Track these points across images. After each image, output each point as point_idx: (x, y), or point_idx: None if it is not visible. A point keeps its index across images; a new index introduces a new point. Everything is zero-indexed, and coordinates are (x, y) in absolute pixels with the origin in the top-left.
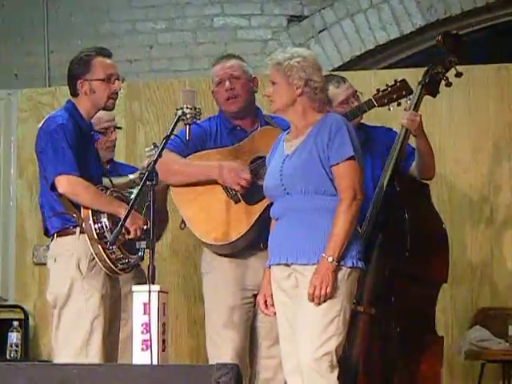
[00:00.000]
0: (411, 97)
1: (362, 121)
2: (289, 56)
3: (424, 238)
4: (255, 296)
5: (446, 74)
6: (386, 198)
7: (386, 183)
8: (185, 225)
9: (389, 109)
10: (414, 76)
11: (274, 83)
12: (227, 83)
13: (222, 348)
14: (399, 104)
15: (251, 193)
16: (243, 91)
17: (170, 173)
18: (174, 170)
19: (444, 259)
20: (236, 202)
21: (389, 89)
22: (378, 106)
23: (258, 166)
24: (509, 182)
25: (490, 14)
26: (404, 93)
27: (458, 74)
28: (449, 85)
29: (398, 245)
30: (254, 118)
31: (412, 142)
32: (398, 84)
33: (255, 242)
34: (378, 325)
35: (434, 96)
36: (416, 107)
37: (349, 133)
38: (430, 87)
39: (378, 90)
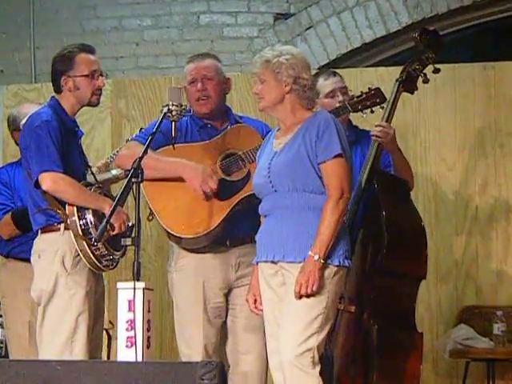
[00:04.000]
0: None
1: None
2: (277, 53)
3: (402, 234)
4: (225, 294)
5: (424, 71)
6: (364, 195)
7: (364, 181)
8: (152, 217)
9: (362, 115)
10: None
11: (262, 81)
12: (199, 84)
13: (194, 348)
14: (372, 111)
15: (222, 189)
16: (215, 93)
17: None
18: (146, 164)
19: (422, 255)
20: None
21: (363, 95)
22: (352, 112)
23: (228, 163)
24: (494, 180)
25: (477, 12)
26: (378, 100)
27: (436, 71)
28: (426, 81)
29: (376, 242)
30: (224, 118)
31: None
32: (372, 91)
33: (222, 239)
34: (358, 322)
35: (412, 93)
36: (394, 103)
37: (337, 131)
38: (408, 84)
39: (352, 96)
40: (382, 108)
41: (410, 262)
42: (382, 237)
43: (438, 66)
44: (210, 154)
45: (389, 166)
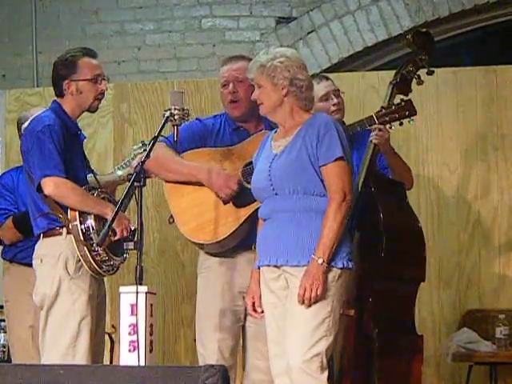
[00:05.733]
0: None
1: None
2: (271, 57)
3: (399, 237)
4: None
5: (418, 73)
6: (360, 199)
7: (360, 184)
8: (173, 220)
9: (390, 127)
10: None
11: (259, 86)
12: (231, 86)
13: (209, 349)
14: (401, 123)
15: (241, 195)
16: (246, 95)
17: (163, 169)
18: (168, 167)
19: (420, 258)
20: (225, 203)
21: (393, 107)
22: (379, 124)
23: (251, 170)
24: (496, 184)
25: (478, 16)
26: (407, 113)
27: (430, 72)
28: (420, 83)
29: (373, 245)
30: (258, 121)
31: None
32: (402, 104)
33: (247, 243)
34: (358, 326)
35: (407, 95)
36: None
37: (338, 133)
38: (402, 86)
39: (381, 107)
40: (412, 121)
41: (408, 264)
42: (379, 240)
43: (440, 69)
44: (233, 159)
45: (385, 168)
